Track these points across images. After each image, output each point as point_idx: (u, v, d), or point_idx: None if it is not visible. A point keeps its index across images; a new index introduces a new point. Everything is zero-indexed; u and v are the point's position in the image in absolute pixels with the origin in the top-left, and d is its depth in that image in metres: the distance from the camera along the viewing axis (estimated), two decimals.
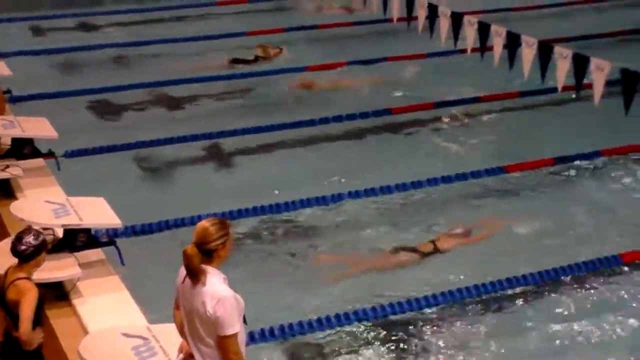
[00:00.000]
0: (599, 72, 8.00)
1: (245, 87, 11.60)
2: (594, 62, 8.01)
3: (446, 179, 8.76)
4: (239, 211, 8.05)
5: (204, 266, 4.38)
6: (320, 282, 7.13)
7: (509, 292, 6.92)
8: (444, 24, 10.18)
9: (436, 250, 7.56)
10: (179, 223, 7.75)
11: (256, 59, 12.60)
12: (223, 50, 12.86)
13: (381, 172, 9.01)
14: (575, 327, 6.54)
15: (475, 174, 8.87)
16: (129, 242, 7.30)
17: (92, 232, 6.66)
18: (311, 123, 10.16)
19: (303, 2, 15.35)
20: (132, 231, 7.62)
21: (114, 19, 14.74)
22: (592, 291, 7.00)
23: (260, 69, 12.17)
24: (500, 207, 8.33)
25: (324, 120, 10.23)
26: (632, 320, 6.60)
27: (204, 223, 4.42)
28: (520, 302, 6.85)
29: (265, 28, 13.87)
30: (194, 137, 9.74)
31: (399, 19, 11.53)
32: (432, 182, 8.71)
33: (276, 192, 8.50)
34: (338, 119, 10.32)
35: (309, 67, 12.19)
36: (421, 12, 10.74)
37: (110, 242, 6.78)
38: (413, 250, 7.53)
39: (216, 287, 4.35)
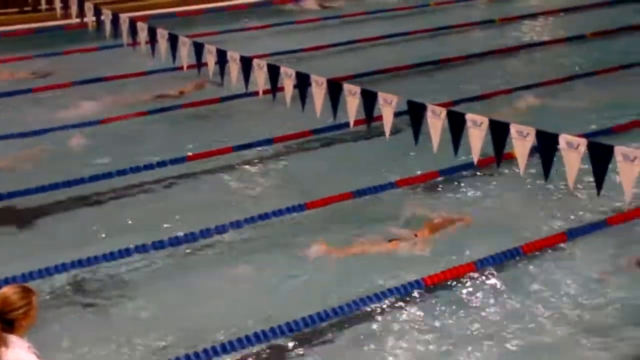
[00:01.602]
0: (387, 105, 8.34)
1: (39, 142, 11.23)
2: (382, 97, 8.34)
3: (249, 220, 8.87)
4: (47, 269, 7.83)
5: (5, 335, 4.20)
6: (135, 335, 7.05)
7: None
8: (233, 69, 10.31)
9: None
10: None
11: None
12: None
13: (178, 221, 8.99)
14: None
15: (277, 213, 9.00)
16: None
17: None
18: (95, 178, 9.98)
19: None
20: None
21: None
22: (397, 315, 7.27)
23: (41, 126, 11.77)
24: (304, 242, 8.46)
25: (121, 172, 10.11)
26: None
27: (5, 291, 4.26)
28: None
29: None
30: None
31: (189, 66, 11.56)
32: (235, 224, 8.80)
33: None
34: (136, 169, 10.19)
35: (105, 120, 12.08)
36: (210, 58, 10.83)
37: None
38: None
39: (20, 356, 4.18)
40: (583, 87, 13.57)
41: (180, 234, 8.54)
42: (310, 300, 7.39)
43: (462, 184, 9.89)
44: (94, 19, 13.31)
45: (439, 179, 9.98)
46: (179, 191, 9.94)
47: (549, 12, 19.23)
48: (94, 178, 9.93)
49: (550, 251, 8.24)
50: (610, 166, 6.71)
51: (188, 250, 8.42)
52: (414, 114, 8.04)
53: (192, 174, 10.34)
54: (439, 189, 9.79)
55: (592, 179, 6.87)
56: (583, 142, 6.72)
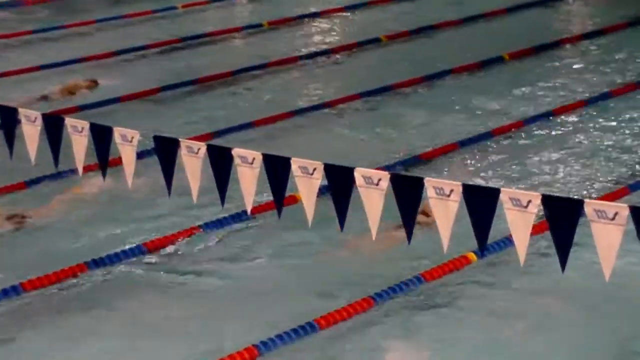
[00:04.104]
0: (127, 144, 8.27)
1: None
2: (119, 133, 8.27)
3: None
4: None
5: None
6: None
7: None
8: None
9: None
10: None
11: None
12: None
13: None
14: None
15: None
16: None
17: None
18: None
19: None
20: None
21: None
22: None
23: None
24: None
25: None
26: None
27: None
28: None
29: None
30: None
31: None
32: None
33: None
34: None
35: None
36: None
37: None
38: None
39: None
40: (374, 105, 14.13)
41: None
42: None
43: (232, 241, 10.03)
44: None
45: (200, 232, 10.12)
46: None
47: (333, 11, 19.86)
48: None
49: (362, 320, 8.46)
50: None
51: None
52: (164, 151, 8.05)
53: None
54: (202, 248, 9.90)
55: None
56: (385, 175, 6.92)
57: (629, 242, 5.85)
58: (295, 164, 7.25)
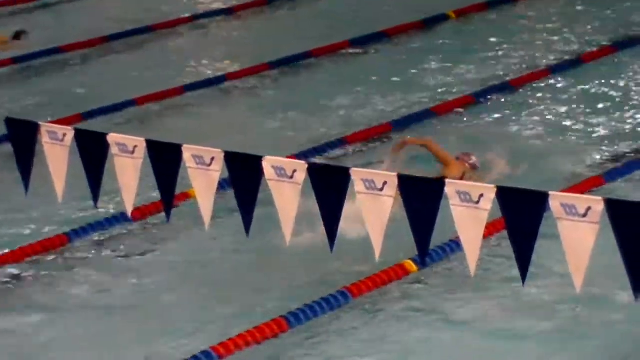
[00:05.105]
0: None
1: None
2: None
3: None
4: None
5: None
6: None
7: None
8: None
9: None
10: None
11: None
12: None
13: None
14: None
15: None
16: None
17: None
18: None
19: None
20: None
21: None
22: None
23: None
24: None
25: None
26: None
27: None
28: None
29: None
30: None
31: None
32: None
33: None
34: None
35: None
36: None
37: None
38: None
39: None
40: (287, 78, 14.17)
41: None
42: None
43: (108, 250, 10.00)
44: None
45: (69, 248, 10.02)
46: None
47: None
48: None
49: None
50: None
51: None
52: (19, 138, 7.99)
53: None
54: (71, 266, 9.82)
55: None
56: (301, 166, 6.92)
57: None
58: (188, 153, 7.23)
